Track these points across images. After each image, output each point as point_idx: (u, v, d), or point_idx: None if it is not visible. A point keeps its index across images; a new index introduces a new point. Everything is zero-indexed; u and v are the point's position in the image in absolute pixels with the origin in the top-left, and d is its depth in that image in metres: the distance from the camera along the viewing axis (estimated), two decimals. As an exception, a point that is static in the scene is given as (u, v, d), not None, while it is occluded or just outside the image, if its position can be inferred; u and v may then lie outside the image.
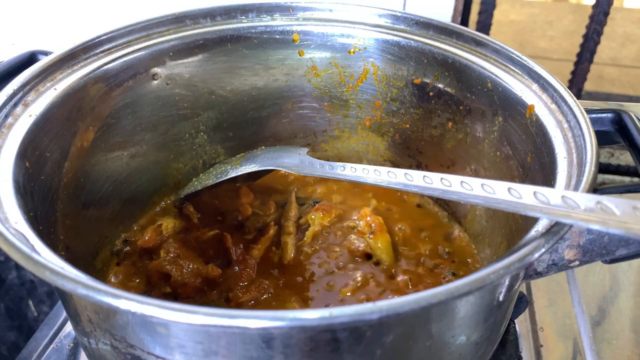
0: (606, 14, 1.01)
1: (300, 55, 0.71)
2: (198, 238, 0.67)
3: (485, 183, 0.42)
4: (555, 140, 0.49)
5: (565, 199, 0.38)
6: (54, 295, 0.76)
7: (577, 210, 0.37)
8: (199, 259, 0.62)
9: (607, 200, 0.36)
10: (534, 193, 0.39)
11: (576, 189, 0.42)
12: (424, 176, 0.48)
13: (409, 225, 0.70)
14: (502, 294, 0.43)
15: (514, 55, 0.59)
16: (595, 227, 0.35)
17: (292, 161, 0.68)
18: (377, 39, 0.68)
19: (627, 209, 0.35)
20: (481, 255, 0.66)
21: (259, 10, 0.69)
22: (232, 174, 0.70)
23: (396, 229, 0.69)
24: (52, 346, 0.63)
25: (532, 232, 0.40)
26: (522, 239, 0.39)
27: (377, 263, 0.64)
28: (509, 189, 0.41)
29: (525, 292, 0.69)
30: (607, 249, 0.42)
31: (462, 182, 0.44)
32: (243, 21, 0.68)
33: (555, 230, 0.38)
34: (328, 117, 0.76)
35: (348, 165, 0.60)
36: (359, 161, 0.79)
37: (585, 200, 0.37)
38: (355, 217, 0.70)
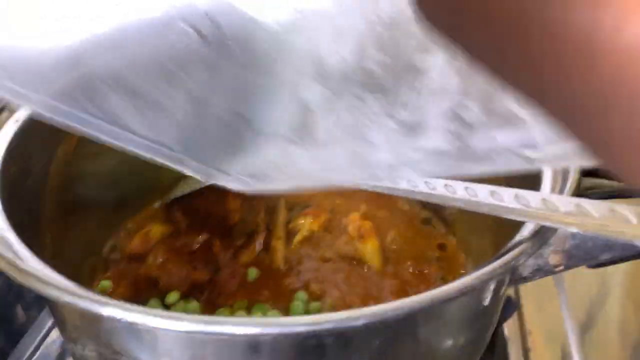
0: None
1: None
2: (186, 243, 0.67)
3: (469, 186, 0.42)
4: (540, 145, 0.50)
5: (545, 202, 0.38)
6: (43, 300, 0.75)
7: (556, 213, 0.37)
8: (187, 264, 0.62)
9: (586, 203, 0.36)
10: (515, 196, 0.40)
11: (561, 192, 0.43)
12: (408, 180, 0.48)
13: (398, 230, 0.70)
14: (489, 299, 0.43)
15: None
16: (573, 229, 0.36)
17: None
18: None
19: (604, 211, 0.35)
20: (469, 260, 0.66)
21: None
22: (221, 177, 0.70)
23: (385, 233, 0.69)
24: (39, 352, 0.62)
25: (517, 237, 0.40)
26: (508, 244, 0.40)
27: (366, 268, 0.64)
28: (491, 192, 0.41)
29: (513, 296, 0.69)
30: (591, 254, 0.42)
31: (445, 184, 0.45)
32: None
33: (540, 235, 0.39)
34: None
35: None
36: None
37: (565, 203, 0.38)
38: (345, 222, 0.70)
